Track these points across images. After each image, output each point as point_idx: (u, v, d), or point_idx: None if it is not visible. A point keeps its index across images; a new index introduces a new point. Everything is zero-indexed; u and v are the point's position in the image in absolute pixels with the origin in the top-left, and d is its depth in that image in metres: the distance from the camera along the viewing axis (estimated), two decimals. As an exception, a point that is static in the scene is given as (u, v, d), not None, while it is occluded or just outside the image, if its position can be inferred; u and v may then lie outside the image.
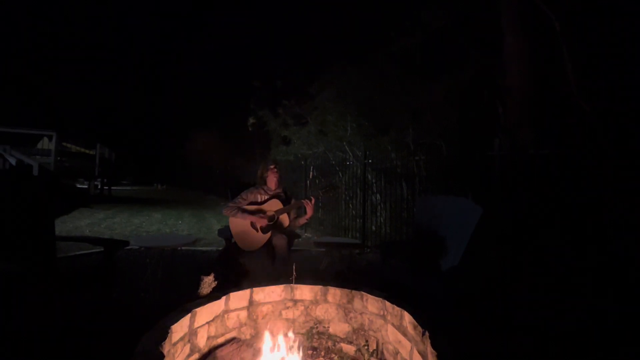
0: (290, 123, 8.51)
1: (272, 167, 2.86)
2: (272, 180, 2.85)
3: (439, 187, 4.55)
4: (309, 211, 2.73)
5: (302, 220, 2.87)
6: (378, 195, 5.69)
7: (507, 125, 4.40)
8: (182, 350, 1.40)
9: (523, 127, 4.19)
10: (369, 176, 5.73)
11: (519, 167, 3.51)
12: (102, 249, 2.05)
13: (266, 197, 2.80)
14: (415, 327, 1.41)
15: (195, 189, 19.03)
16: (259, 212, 2.71)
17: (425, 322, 1.38)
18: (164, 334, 1.24)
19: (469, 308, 2.40)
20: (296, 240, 3.03)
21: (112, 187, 14.00)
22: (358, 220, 5.80)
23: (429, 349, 1.23)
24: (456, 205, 2.51)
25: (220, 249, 3.19)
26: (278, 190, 2.90)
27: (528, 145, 3.76)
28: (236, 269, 2.52)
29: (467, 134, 4.96)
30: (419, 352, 1.35)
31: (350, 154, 6.34)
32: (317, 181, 7.14)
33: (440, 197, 2.80)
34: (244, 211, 2.70)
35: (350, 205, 6.17)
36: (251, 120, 9.99)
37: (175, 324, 1.34)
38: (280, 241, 2.53)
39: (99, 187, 12.44)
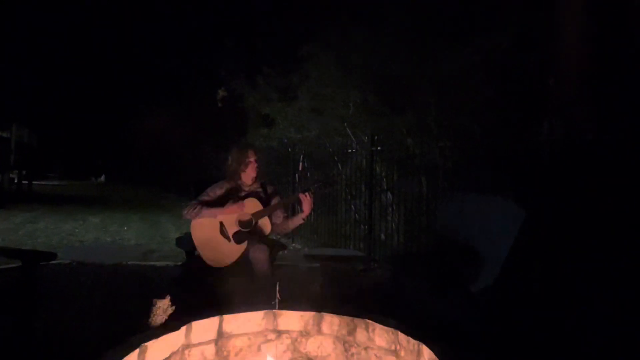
0: (274, 97, 8.46)
1: (248, 155, 2.85)
2: (248, 174, 2.84)
3: (470, 184, 4.57)
4: (306, 208, 2.74)
5: (298, 221, 2.90)
6: (389, 194, 5.71)
7: (559, 103, 4.42)
8: (127, 398, 1.39)
9: (580, 105, 4.22)
10: (378, 168, 5.74)
11: (574, 156, 3.54)
12: (20, 264, 2.03)
13: (240, 195, 2.79)
14: (437, 366, 1.41)
15: (147, 184, 18.96)
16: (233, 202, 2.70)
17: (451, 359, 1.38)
18: (103, 376, 1.23)
19: (507, 340, 2.42)
20: (281, 252, 3.03)
21: (34, 182, 13.88)
22: (363, 227, 5.82)
23: (455, 394, 1.24)
24: (492, 207, 2.53)
25: (180, 264, 3.19)
26: (256, 186, 2.89)
27: (587, 129, 3.78)
28: (200, 291, 2.51)
29: (507, 114, 4.98)
30: (442, 399, 1.36)
31: (353, 139, 6.33)
32: (309, 175, 7.14)
33: (472, 197, 2.83)
34: (212, 205, 2.69)
35: (353, 206, 6.18)
36: (221, 93, 9.92)
37: (119, 363, 1.33)
38: (259, 254, 2.53)
39: (16, 181, 12.31)
